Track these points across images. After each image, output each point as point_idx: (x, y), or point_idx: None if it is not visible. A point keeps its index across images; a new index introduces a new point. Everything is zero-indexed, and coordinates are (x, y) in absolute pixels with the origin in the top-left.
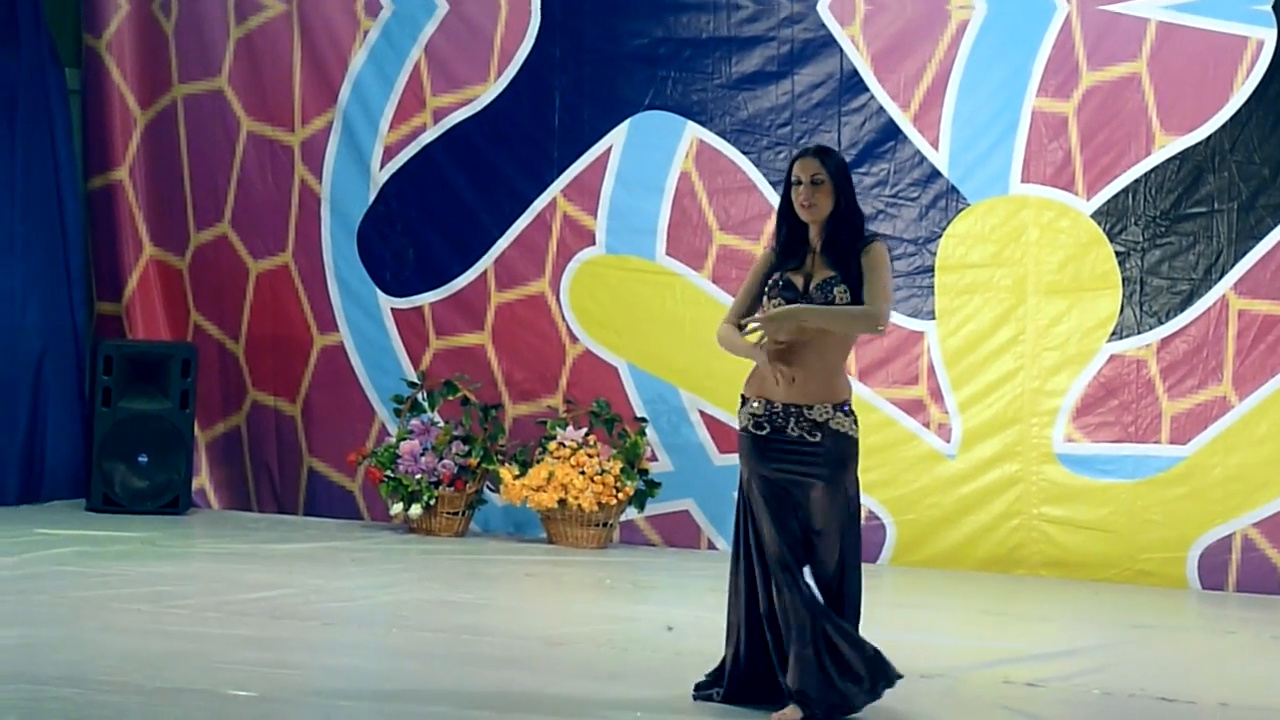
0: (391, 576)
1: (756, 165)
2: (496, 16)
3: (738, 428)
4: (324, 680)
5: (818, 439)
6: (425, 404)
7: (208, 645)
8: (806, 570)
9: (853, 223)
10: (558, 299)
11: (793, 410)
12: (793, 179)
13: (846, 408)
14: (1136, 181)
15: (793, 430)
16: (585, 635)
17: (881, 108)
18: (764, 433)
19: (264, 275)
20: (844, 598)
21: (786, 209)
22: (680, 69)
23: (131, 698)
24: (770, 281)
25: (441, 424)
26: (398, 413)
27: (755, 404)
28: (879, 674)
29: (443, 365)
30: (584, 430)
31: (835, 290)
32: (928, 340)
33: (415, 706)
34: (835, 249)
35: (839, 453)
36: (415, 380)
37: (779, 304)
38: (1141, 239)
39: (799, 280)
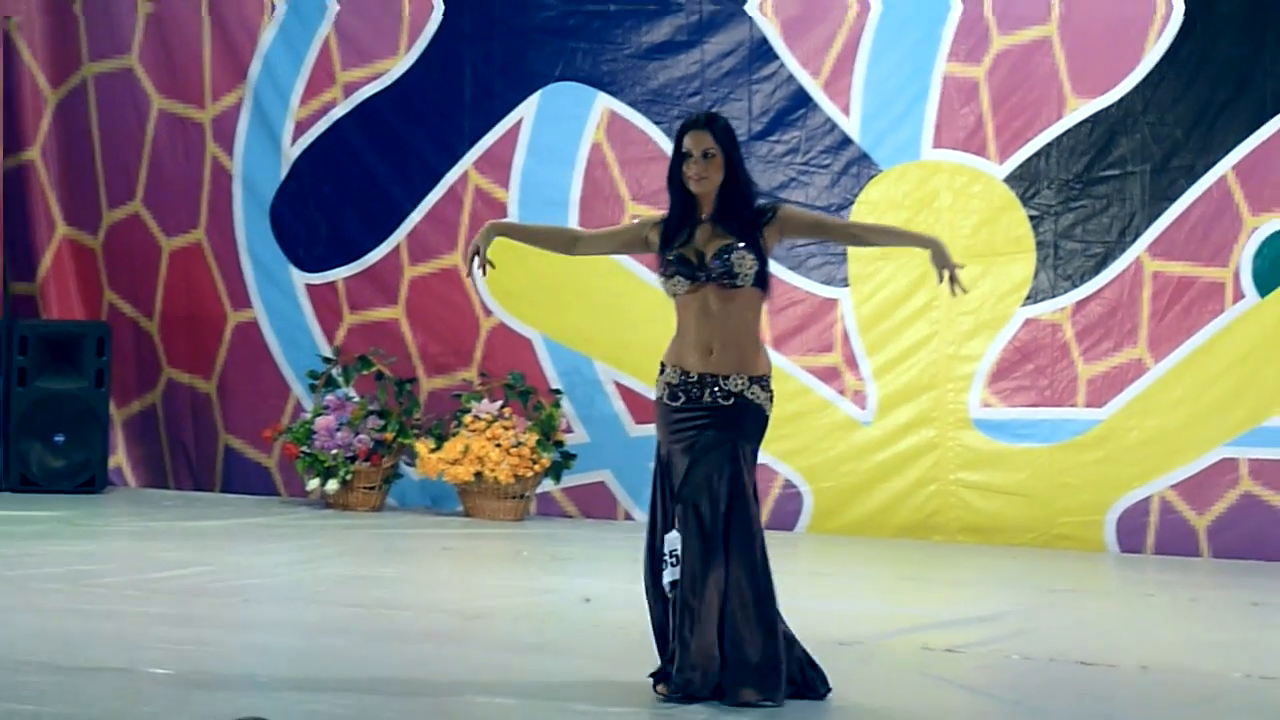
0: (308, 552)
1: (668, 135)
2: None
3: (654, 396)
4: (241, 657)
5: (730, 403)
6: (340, 379)
7: (125, 624)
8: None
9: (744, 189)
10: (470, 272)
11: (709, 380)
12: (683, 150)
13: (764, 382)
14: (1049, 145)
15: (707, 398)
16: (503, 608)
17: (791, 75)
18: (678, 403)
19: (177, 253)
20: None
21: (675, 180)
22: (590, 40)
23: (50, 677)
24: (664, 260)
25: (357, 399)
26: (313, 388)
27: (670, 372)
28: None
29: (357, 340)
30: (499, 403)
31: (733, 256)
32: (841, 307)
33: (332, 680)
34: (730, 218)
35: (745, 419)
36: (330, 355)
37: (678, 282)
38: (1055, 203)
39: (692, 254)
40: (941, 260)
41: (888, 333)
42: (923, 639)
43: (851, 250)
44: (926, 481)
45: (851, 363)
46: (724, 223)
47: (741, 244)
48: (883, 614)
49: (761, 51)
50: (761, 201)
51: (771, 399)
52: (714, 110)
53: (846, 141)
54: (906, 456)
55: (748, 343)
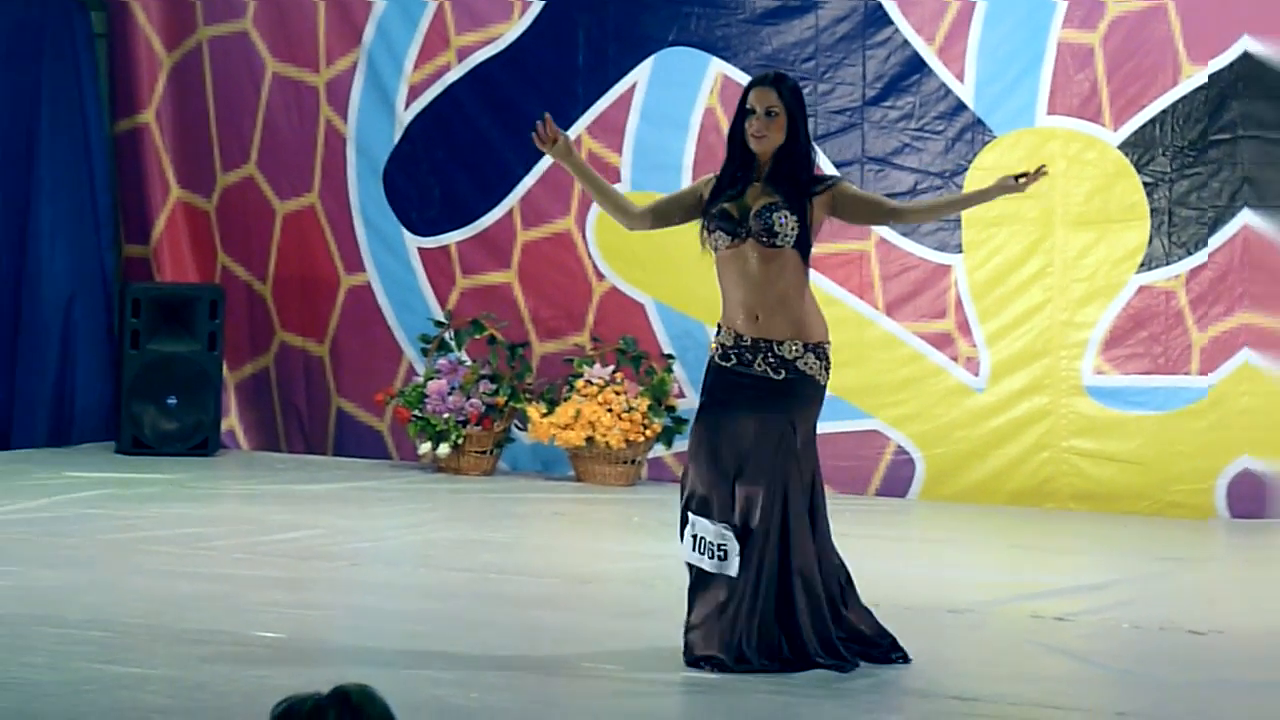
0: (419, 516)
1: None
2: None
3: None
4: (350, 620)
5: (781, 378)
6: (452, 343)
7: (235, 587)
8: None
9: (803, 154)
10: (583, 236)
11: (762, 345)
12: (747, 107)
13: (821, 350)
14: (1163, 112)
15: (759, 366)
16: (613, 573)
17: (906, 41)
18: (729, 363)
19: (290, 216)
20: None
21: (737, 136)
22: (704, 4)
23: (159, 640)
24: (708, 214)
25: (469, 363)
26: (425, 352)
27: (725, 334)
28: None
29: (469, 304)
30: (611, 368)
31: (774, 215)
32: (955, 273)
33: (441, 645)
34: (781, 180)
35: (797, 394)
36: (442, 319)
37: (719, 237)
38: (1169, 169)
39: (735, 210)
40: (1008, 186)
41: (1001, 299)
42: (1033, 607)
43: (966, 216)
44: (1039, 448)
45: (965, 329)
46: (772, 182)
47: (786, 205)
48: (993, 581)
49: (876, 17)
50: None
51: (828, 369)
52: (783, 73)
53: (961, 108)
54: (1019, 423)
55: (798, 306)
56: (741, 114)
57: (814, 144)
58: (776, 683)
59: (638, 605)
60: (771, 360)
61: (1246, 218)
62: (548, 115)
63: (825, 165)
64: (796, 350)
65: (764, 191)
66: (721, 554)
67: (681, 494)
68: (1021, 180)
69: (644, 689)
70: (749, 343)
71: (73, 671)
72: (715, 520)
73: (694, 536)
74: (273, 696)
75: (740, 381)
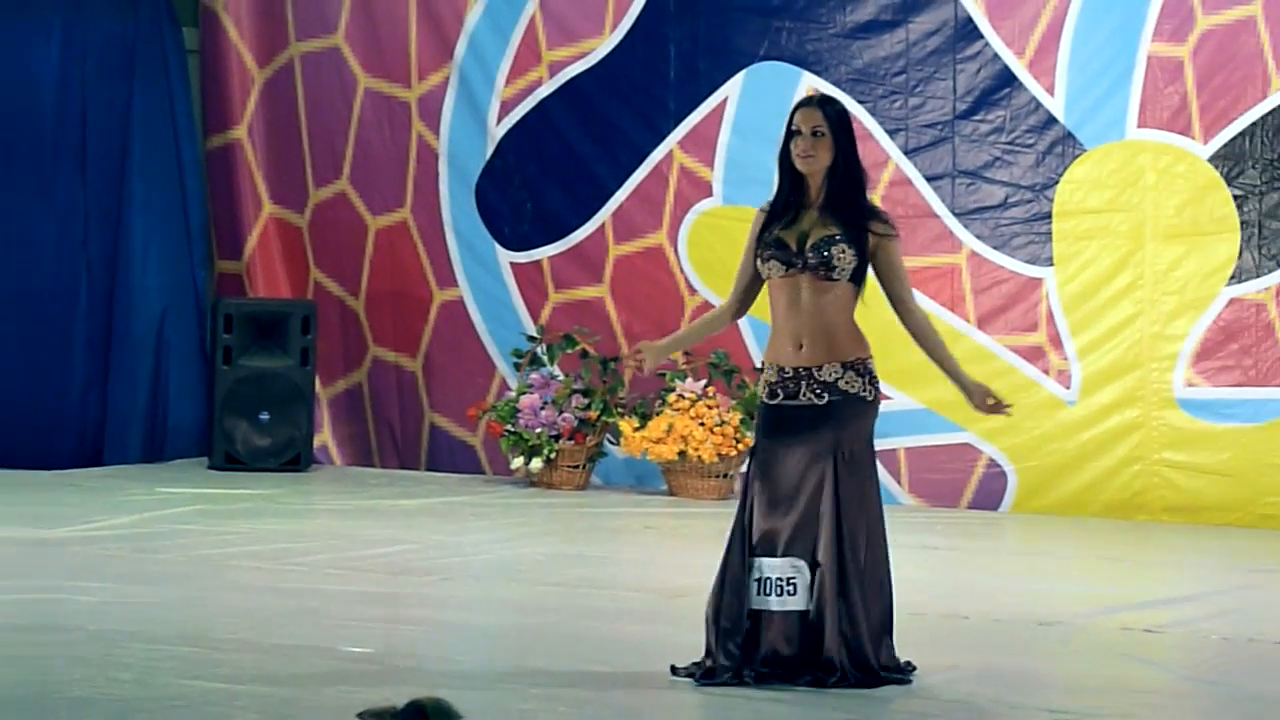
0: (512, 530)
1: (872, 114)
2: None
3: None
4: (441, 636)
5: (824, 401)
6: (544, 358)
7: (326, 602)
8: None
9: (854, 178)
10: (675, 251)
11: (803, 373)
12: (793, 128)
13: (860, 366)
14: (1253, 125)
15: (804, 395)
16: (705, 587)
17: (996, 55)
18: (775, 400)
19: (383, 231)
20: (847, 580)
21: (785, 160)
22: (795, 19)
23: (248, 655)
24: (762, 241)
25: (561, 377)
26: (517, 366)
27: (770, 371)
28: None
29: (562, 318)
30: (703, 382)
31: (833, 250)
32: (1046, 286)
33: (530, 660)
34: (837, 205)
35: (842, 416)
36: (534, 334)
37: (773, 266)
38: (1259, 182)
39: (792, 239)
40: (979, 396)
41: (1092, 312)
42: (1122, 619)
43: (1057, 229)
44: (1131, 461)
45: (1056, 342)
46: (833, 211)
47: (845, 238)
48: (1084, 594)
49: (966, 31)
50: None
51: (874, 383)
52: (828, 95)
53: (1051, 121)
54: (1111, 436)
55: (840, 332)
56: (789, 136)
57: (863, 167)
58: (859, 697)
59: None
60: (815, 387)
61: None
62: (626, 354)
63: (916, 179)
64: (835, 372)
65: (821, 220)
66: (791, 589)
67: (738, 539)
68: (990, 402)
69: (733, 703)
70: (791, 374)
71: (161, 688)
72: (780, 554)
73: (758, 580)
74: None
75: (788, 415)
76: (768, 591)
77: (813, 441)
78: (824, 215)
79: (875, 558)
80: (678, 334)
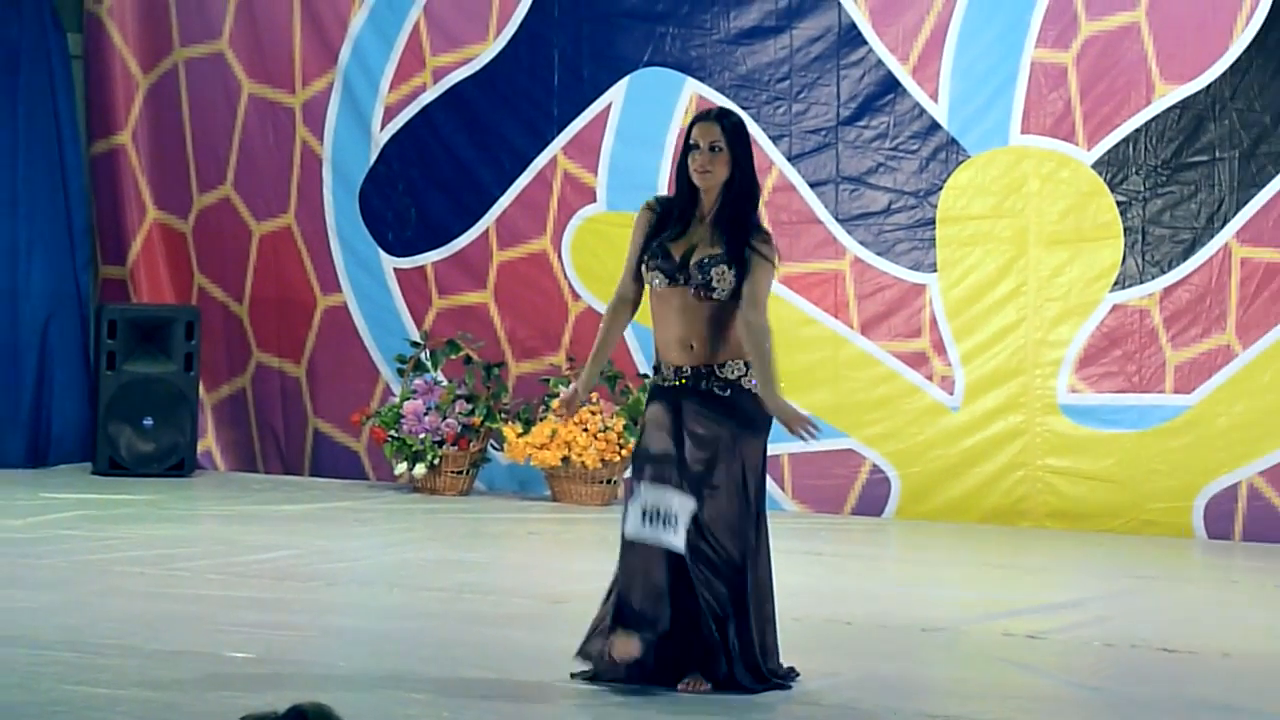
0: (395, 536)
1: (756, 120)
2: None
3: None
4: (323, 641)
5: (727, 394)
6: (428, 363)
7: (209, 607)
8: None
9: (748, 193)
10: (559, 256)
11: (703, 370)
12: (691, 142)
13: None
14: (1137, 131)
15: (704, 386)
16: (588, 593)
17: (880, 61)
18: (671, 384)
19: (267, 237)
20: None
21: (682, 172)
22: (678, 25)
23: (130, 660)
24: (650, 248)
25: (445, 383)
26: (401, 372)
27: (666, 370)
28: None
29: (445, 324)
30: None
31: (714, 271)
32: (930, 293)
33: (413, 665)
34: (726, 223)
35: (748, 410)
36: (418, 340)
37: (656, 276)
38: (1143, 188)
39: (678, 252)
40: (785, 415)
41: (975, 318)
42: (1005, 625)
43: (940, 235)
44: (1014, 467)
45: (939, 348)
46: (722, 228)
47: (726, 257)
48: (967, 599)
49: (850, 37)
50: (766, 228)
51: None
52: (726, 109)
53: (935, 127)
54: (994, 442)
55: (734, 334)
56: (686, 149)
57: (758, 183)
58: (743, 703)
59: None
60: (717, 381)
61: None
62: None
63: (799, 185)
64: (739, 369)
65: (709, 236)
66: (674, 522)
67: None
68: (796, 429)
69: (614, 708)
70: (690, 371)
71: (43, 692)
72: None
73: (643, 511)
74: None
75: (687, 393)
76: (654, 520)
77: (716, 426)
78: (713, 231)
79: (762, 561)
80: (590, 364)
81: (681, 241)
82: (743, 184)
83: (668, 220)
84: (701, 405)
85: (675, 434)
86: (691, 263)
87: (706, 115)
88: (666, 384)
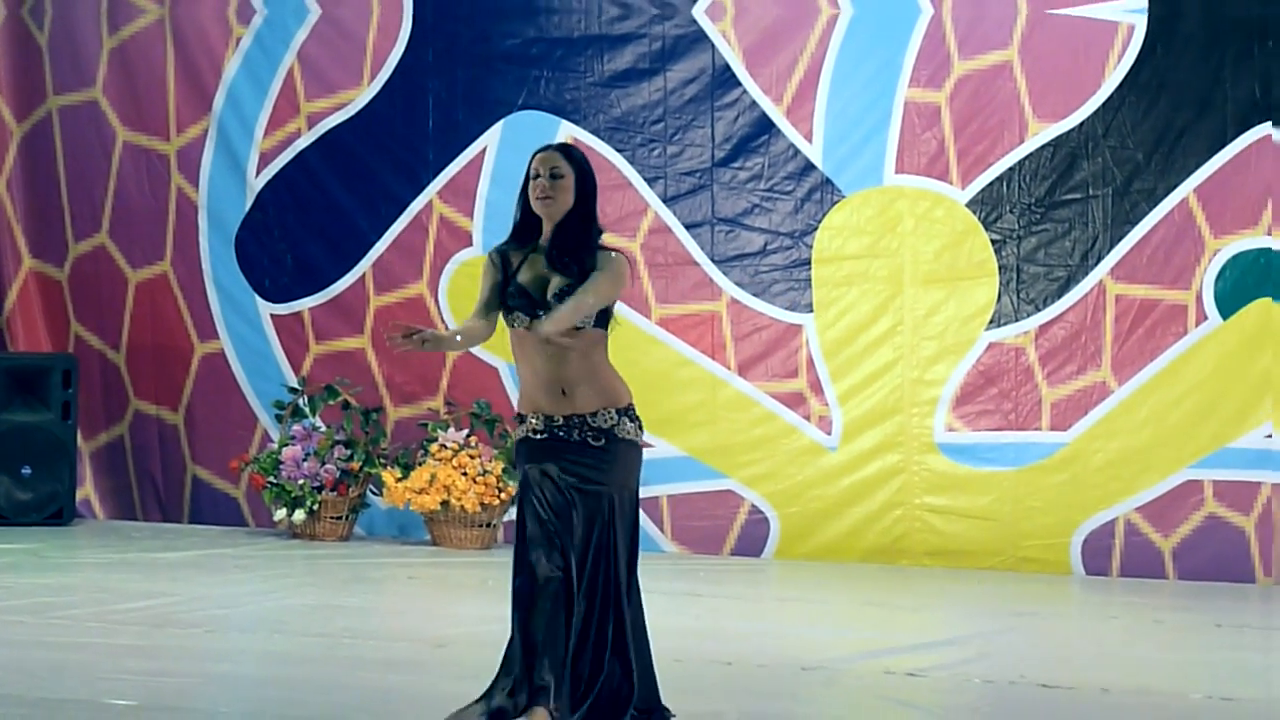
0: (275, 582)
1: (631, 162)
2: (369, 20)
3: (515, 441)
4: (205, 688)
5: (601, 443)
6: (306, 409)
7: (90, 655)
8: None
9: (586, 227)
10: (436, 301)
11: (575, 420)
12: (531, 173)
13: (632, 412)
14: (1010, 169)
15: (576, 437)
16: (468, 636)
17: (754, 102)
18: (541, 436)
19: (143, 284)
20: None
21: (524, 203)
22: (553, 68)
23: (13, 710)
24: (507, 292)
25: (323, 429)
26: (279, 419)
27: (534, 419)
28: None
29: (323, 370)
30: (465, 431)
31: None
32: (806, 333)
33: (295, 711)
34: (568, 254)
35: (618, 461)
36: (296, 386)
37: (518, 317)
38: (1017, 226)
39: (532, 286)
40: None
41: (852, 358)
42: (885, 663)
43: (816, 275)
44: (892, 506)
45: (816, 388)
46: (562, 256)
47: (580, 285)
48: (846, 639)
49: (724, 79)
50: (610, 249)
51: (641, 429)
52: (567, 145)
53: (809, 168)
54: (872, 481)
55: (603, 375)
56: (527, 181)
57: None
58: None
59: (491, 668)
60: (589, 430)
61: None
62: (393, 326)
63: (675, 227)
64: (611, 418)
65: (553, 268)
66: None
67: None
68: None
69: None
70: (562, 421)
71: None
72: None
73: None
74: None
75: (558, 447)
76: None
77: (589, 483)
78: (560, 260)
79: (638, 604)
80: (453, 336)
81: (532, 275)
82: (584, 212)
83: (511, 257)
84: (578, 460)
85: (558, 502)
86: (549, 294)
87: (547, 147)
88: (537, 435)
